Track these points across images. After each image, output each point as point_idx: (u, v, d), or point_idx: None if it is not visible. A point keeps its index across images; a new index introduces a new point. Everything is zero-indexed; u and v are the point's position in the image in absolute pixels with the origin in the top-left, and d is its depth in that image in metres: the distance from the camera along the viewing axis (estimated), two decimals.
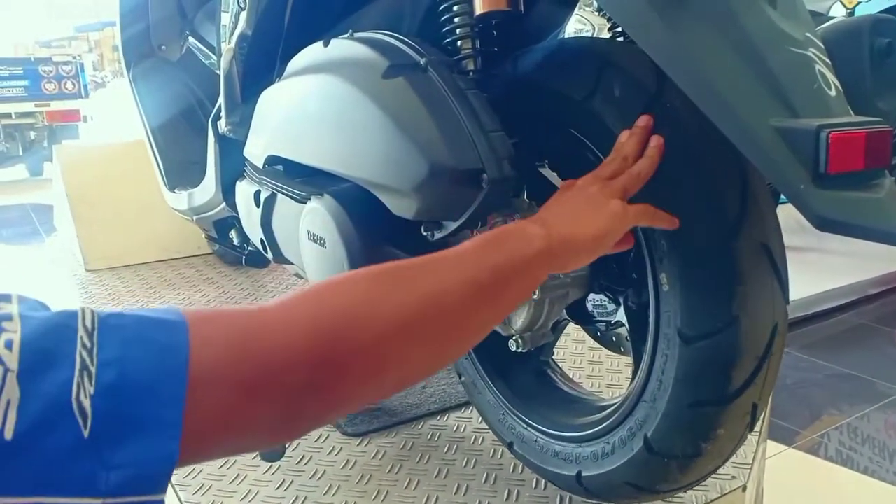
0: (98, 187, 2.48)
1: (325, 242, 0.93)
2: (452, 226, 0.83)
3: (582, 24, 3.75)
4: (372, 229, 0.90)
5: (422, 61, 0.81)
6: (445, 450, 1.24)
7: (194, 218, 1.61)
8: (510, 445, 1.09)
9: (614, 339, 1.01)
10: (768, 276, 0.73)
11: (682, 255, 0.73)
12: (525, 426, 1.06)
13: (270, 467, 1.18)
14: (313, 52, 0.96)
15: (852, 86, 0.76)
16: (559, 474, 1.00)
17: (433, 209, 0.79)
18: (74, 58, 6.58)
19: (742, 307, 0.70)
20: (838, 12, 3.36)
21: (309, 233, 0.96)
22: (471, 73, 0.87)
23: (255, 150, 1.11)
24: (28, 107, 6.31)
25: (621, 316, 0.92)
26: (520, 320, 0.93)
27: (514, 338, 0.95)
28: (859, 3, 3.23)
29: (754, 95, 0.65)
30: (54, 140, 6.51)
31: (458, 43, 0.87)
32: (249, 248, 1.49)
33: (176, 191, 1.75)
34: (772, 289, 0.73)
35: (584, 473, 0.95)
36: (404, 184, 0.78)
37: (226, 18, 1.24)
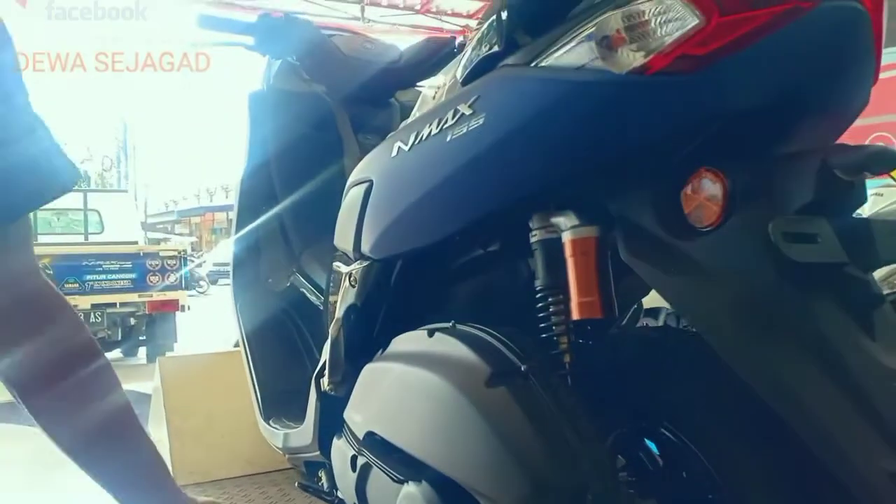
0: (194, 398, 2.60)
1: None
2: None
3: None
4: None
5: (523, 367, 0.86)
6: None
7: (287, 456, 1.65)
8: None
9: None
10: None
11: None
12: None
13: None
14: (417, 341, 1.04)
15: None
16: None
17: None
18: (180, 253, 7.12)
19: None
20: None
21: None
22: (567, 367, 0.92)
23: (356, 419, 1.16)
24: (132, 297, 6.76)
25: None
26: None
27: None
28: None
29: (863, 436, 0.66)
30: (152, 327, 6.91)
31: (555, 338, 0.93)
32: (338, 497, 1.51)
33: (271, 422, 1.81)
34: None
35: None
36: (504, 493, 0.81)
37: (335, 282, 1.36)
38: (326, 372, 1.32)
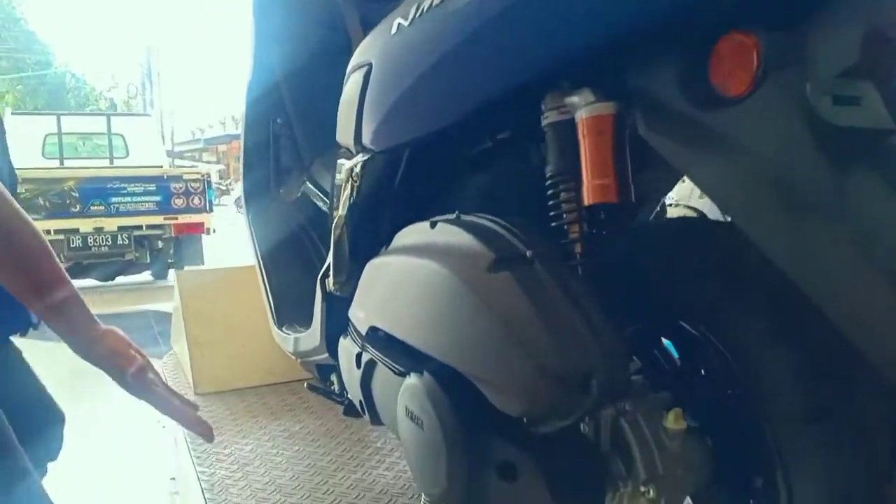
0: (212, 311, 2.61)
1: (422, 424, 0.91)
2: (558, 424, 0.80)
3: None
4: (474, 417, 0.87)
5: (528, 253, 0.81)
6: None
7: (298, 360, 1.64)
8: None
9: None
10: None
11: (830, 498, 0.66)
12: None
13: None
14: (420, 232, 0.98)
15: None
16: None
17: (538, 409, 0.76)
18: (203, 176, 7.12)
19: None
20: None
21: (407, 409, 0.95)
22: (578, 258, 0.86)
23: (360, 315, 1.12)
24: (158, 220, 6.81)
25: None
26: None
27: None
28: None
29: None
30: (179, 249, 6.99)
31: (566, 227, 0.87)
32: (348, 398, 1.50)
33: (284, 329, 1.80)
34: None
35: None
36: (508, 382, 0.76)
37: (339, 178, 1.30)
38: (331, 272, 1.28)
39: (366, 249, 1.16)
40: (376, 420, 1.14)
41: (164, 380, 0.94)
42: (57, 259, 0.88)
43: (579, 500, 0.85)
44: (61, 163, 7.49)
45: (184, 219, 6.83)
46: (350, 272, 1.23)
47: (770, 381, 0.74)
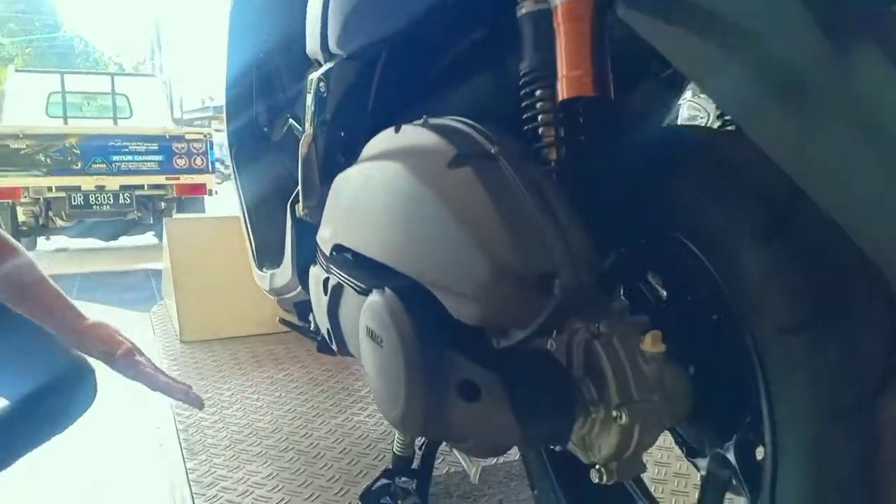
0: (201, 259, 2.55)
1: (381, 341, 0.84)
2: (520, 335, 0.73)
3: (696, 110, 3.56)
4: (434, 332, 0.80)
5: (493, 150, 0.73)
6: None
7: (276, 298, 1.58)
8: None
9: (719, 478, 0.85)
10: None
11: (815, 415, 0.59)
12: None
13: None
14: (383, 138, 0.91)
15: None
16: None
17: (498, 316, 0.69)
18: (205, 136, 7.04)
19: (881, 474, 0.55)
20: None
21: (367, 328, 0.88)
22: (553, 164, 0.78)
23: (325, 236, 1.05)
24: (160, 179, 6.76)
25: (730, 456, 0.78)
26: (604, 447, 0.79)
27: (596, 467, 0.81)
28: None
29: None
30: (181, 210, 6.94)
31: (540, 130, 0.79)
32: (322, 335, 1.44)
33: (263, 270, 1.74)
34: None
35: None
36: (465, 286, 0.69)
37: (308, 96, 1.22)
38: (301, 196, 1.21)
39: (335, 168, 1.09)
40: (344, 350, 1.08)
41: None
42: (37, 265, 1.04)
43: (546, 424, 0.78)
44: (65, 122, 7.42)
45: (185, 179, 6.77)
46: (320, 195, 1.15)
47: (757, 289, 0.66)
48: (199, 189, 6.94)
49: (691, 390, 0.80)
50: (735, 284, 0.69)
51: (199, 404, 1.10)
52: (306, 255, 1.25)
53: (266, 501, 1.33)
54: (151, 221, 7.13)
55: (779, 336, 0.65)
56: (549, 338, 0.77)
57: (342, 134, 1.09)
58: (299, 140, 1.88)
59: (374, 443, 1.59)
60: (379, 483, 1.22)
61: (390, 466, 1.26)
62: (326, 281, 1.08)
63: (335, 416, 1.75)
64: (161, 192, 6.80)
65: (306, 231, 1.23)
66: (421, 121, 0.87)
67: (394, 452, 1.27)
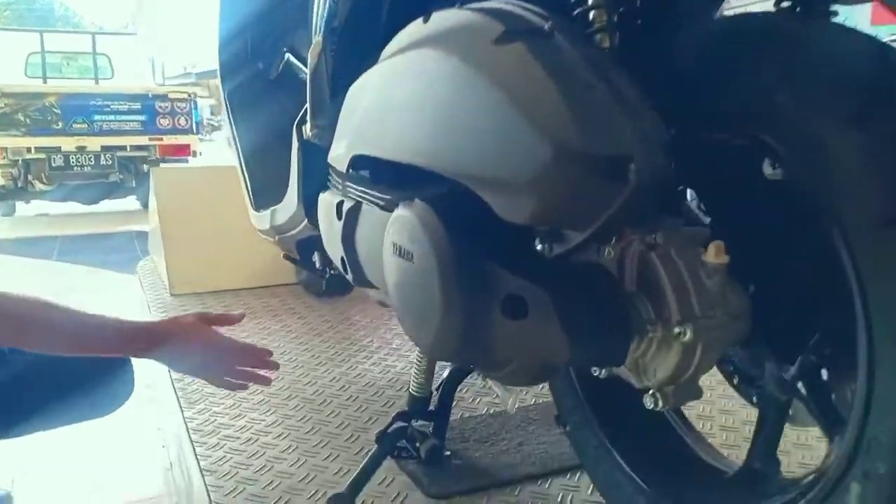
0: (190, 210, 2.44)
1: (412, 256, 0.75)
2: (578, 237, 0.64)
3: None
4: (472, 242, 0.71)
5: (545, 25, 0.63)
6: None
7: (276, 238, 1.48)
8: None
9: (778, 405, 0.78)
10: None
11: None
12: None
13: None
14: (411, 31, 0.80)
15: None
16: None
17: (557, 211, 0.60)
18: (190, 95, 6.84)
19: None
20: None
21: (394, 245, 0.79)
22: (606, 51, 0.68)
23: (340, 152, 0.95)
24: (142, 140, 6.58)
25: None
26: (660, 369, 0.71)
27: (651, 392, 0.73)
28: None
29: None
30: None
31: (590, 14, 0.69)
32: (331, 272, 1.34)
33: (261, 211, 1.64)
34: None
35: None
36: (519, 175, 0.60)
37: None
38: (308, 115, 1.10)
39: (348, 80, 0.98)
40: (360, 279, 0.99)
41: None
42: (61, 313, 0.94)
43: (600, 343, 0.70)
44: (44, 82, 7.17)
45: (169, 140, 6.59)
46: (330, 112, 1.05)
47: (850, 178, 0.58)
48: (183, 150, 6.75)
49: (751, 307, 0.73)
50: (823, 176, 0.61)
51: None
52: (314, 183, 1.15)
53: (272, 448, 1.24)
54: (134, 185, 6.95)
55: (876, 230, 0.57)
56: (603, 246, 0.68)
57: (356, 41, 0.98)
58: (297, 77, 1.78)
59: (382, 390, 1.51)
60: (395, 426, 1.15)
61: (406, 408, 1.19)
62: (340, 205, 0.99)
63: (338, 364, 1.67)
64: (144, 153, 6.61)
65: (314, 156, 1.13)
66: (455, 7, 0.77)
67: (410, 393, 1.19)
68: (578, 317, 0.67)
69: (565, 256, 0.68)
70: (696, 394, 0.77)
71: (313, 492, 1.10)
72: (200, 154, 6.88)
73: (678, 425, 0.93)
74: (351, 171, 0.93)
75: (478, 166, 0.65)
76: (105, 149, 6.39)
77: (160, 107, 6.56)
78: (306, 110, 1.12)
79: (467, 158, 0.66)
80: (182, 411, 1.40)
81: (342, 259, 1.01)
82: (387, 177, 0.86)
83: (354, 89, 0.93)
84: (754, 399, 0.83)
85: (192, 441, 1.27)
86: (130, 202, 7.44)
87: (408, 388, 1.50)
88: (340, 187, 0.98)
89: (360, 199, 0.93)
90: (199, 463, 1.19)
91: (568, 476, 1.15)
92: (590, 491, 1.10)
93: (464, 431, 1.29)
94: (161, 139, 6.58)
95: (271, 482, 1.13)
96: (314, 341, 1.85)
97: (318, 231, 1.28)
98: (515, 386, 1.15)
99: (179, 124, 6.71)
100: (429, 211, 0.73)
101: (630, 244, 0.70)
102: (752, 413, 0.81)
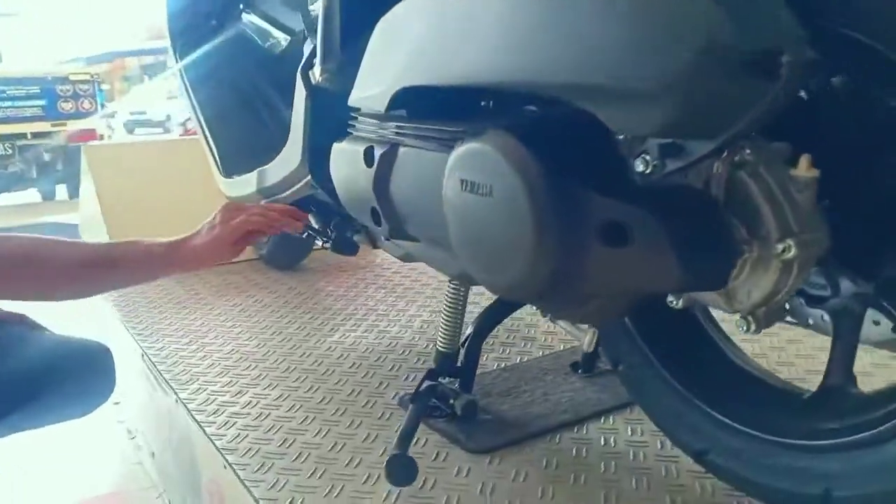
0: (130, 188, 2.28)
1: (492, 190, 0.70)
2: (704, 148, 0.60)
3: None
4: (561, 168, 0.67)
5: None
6: (603, 469, 1.00)
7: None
8: (701, 454, 0.87)
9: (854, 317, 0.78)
10: None
11: None
12: (729, 429, 0.84)
13: (388, 496, 0.94)
14: None
15: None
16: (792, 494, 0.76)
17: (696, 116, 0.56)
18: (92, 76, 6.42)
19: None
20: None
21: (463, 182, 0.73)
22: None
23: (374, 91, 0.88)
24: (44, 127, 6.14)
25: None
26: (755, 291, 0.69)
27: (744, 317, 0.71)
28: None
29: None
30: (68, 162, 6.33)
31: None
32: (335, 231, 1.27)
33: (234, 177, 1.53)
34: None
35: (836, 494, 0.72)
36: (652, 79, 0.55)
37: None
38: (317, 58, 1.02)
39: (364, 22, 0.91)
40: (398, 231, 0.92)
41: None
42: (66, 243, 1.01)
43: (707, 265, 0.67)
44: None
45: (73, 124, 6.17)
46: (345, 54, 0.98)
47: None
48: (89, 135, 6.33)
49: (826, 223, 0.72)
50: None
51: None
52: (322, 132, 1.07)
53: (289, 420, 1.17)
54: (35, 175, 6.49)
55: None
56: (718, 160, 0.65)
57: None
58: (256, 40, 1.66)
59: (383, 355, 1.45)
60: (425, 384, 1.10)
61: (434, 366, 1.14)
62: (369, 151, 0.91)
63: (329, 334, 1.59)
64: (46, 140, 6.17)
65: (323, 101, 1.05)
66: None
67: (437, 350, 1.14)
68: (687, 239, 0.64)
69: (664, 178, 0.65)
70: (783, 315, 0.76)
71: (347, 460, 1.04)
72: (111, 137, 6.49)
73: (737, 356, 0.92)
74: (394, 106, 0.86)
75: (591, 75, 0.60)
76: (3, 137, 5.92)
77: (61, 90, 6.12)
78: (313, 52, 1.04)
79: (577, 68, 0.61)
80: (175, 393, 1.30)
81: (373, 210, 0.94)
82: (438, 110, 0.80)
83: (387, 22, 0.86)
84: (810, 321, 0.83)
85: (197, 422, 1.18)
86: (32, 195, 6.94)
87: (409, 352, 1.46)
88: (373, 131, 0.91)
89: (398, 142, 0.86)
90: (213, 443, 1.10)
91: (602, 420, 1.13)
92: (629, 432, 1.09)
93: (483, 385, 1.25)
94: (65, 125, 6.16)
95: (300, 454, 1.06)
96: (295, 313, 1.76)
97: (319, 188, 1.21)
98: (590, 324, 1.10)
99: (83, 107, 6.29)
100: (510, 139, 0.68)
101: (713, 162, 0.67)
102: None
